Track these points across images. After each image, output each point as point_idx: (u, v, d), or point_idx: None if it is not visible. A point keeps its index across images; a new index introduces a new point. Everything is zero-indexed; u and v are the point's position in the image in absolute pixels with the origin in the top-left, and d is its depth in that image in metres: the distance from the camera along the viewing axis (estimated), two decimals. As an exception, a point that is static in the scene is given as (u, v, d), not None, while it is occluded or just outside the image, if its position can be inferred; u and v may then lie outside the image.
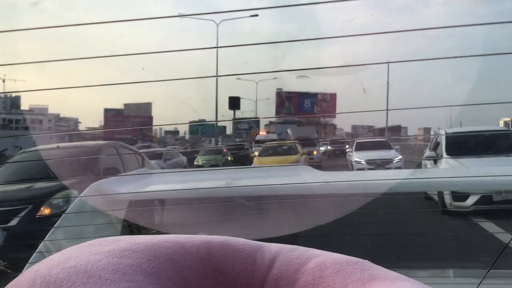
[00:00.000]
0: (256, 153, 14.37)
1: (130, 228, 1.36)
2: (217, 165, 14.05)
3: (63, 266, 0.36)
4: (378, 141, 13.68)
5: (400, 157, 11.97)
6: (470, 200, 5.39)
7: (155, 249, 0.42)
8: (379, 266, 0.45)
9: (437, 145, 7.38)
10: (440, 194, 5.45)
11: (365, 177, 1.51)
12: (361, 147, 12.87)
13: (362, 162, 11.70)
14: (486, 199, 5.22)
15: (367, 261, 0.46)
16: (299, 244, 0.50)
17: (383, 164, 11.37)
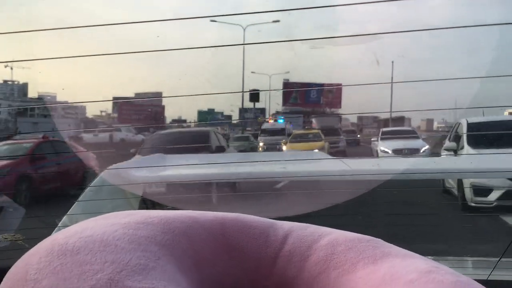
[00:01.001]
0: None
1: (147, 208, 1.37)
2: (245, 150, 14.92)
3: (80, 235, 0.36)
4: (404, 130, 13.43)
5: (427, 146, 11.43)
6: (494, 195, 4.95)
7: (170, 222, 0.41)
8: (391, 245, 0.44)
9: (457, 135, 6.97)
10: (460, 188, 5.08)
11: (377, 165, 1.49)
12: (387, 136, 12.39)
13: (388, 152, 11.33)
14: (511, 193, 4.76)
15: (379, 239, 0.45)
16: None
17: (409, 154, 10.98)
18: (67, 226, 1.10)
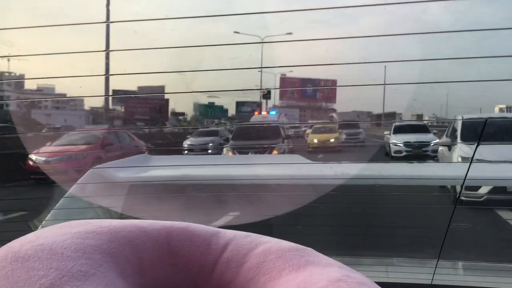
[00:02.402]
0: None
1: (109, 212, 1.38)
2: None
3: (33, 244, 0.39)
4: (416, 125, 13.84)
5: (437, 140, 11.65)
6: (484, 189, 4.99)
7: (118, 232, 0.44)
8: (319, 254, 0.47)
9: (454, 131, 7.17)
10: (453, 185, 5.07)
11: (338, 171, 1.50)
12: (399, 130, 12.75)
13: (400, 145, 11.80)
14: (500, 188, 4.74)
15: (310, 248, 0.48)
16: (262, 232, 0.51)
17: (420, 147, 11.48)
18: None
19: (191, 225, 0.50)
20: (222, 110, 32.07)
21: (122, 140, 9.64)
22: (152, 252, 0.45)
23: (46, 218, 1.22)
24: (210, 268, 0.47)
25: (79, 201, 1.26)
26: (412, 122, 15.02)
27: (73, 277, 0.36)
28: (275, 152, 9.42)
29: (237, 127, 11.06)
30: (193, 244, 0.48)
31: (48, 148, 8.14)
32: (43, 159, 7.79)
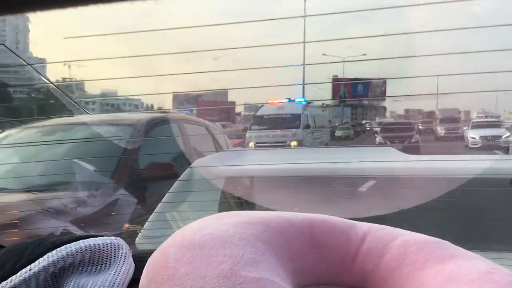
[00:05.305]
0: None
1: (234, 201, 1.42)
2: (349, 137, 17.04)
3: (203, 232, 0.40)
4: (490, 122, 15.46)
5: (508, 134, 13.02)
6: None
7: (268, 222, 0.45)
8: (458, 247, 0.44)
9: None
10: None
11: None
12: (475, 126, 14.47)
13: (476, 138, 13.04)
14: None
15: (447, 241, 0.46)
16: (386, 225, 0.49)
17: (493, 140, 12.52)
18: (163, 211, 1.16)
19: (329, 217, 0.49)
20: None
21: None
22: (299, 241, 0.45)
23: (157, 210, 1.27)
24: (351, 258, 0.46)
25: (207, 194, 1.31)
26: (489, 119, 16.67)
27: (246, 264, 0.37)
28: (413, 140, 11.39)
29: (383, 123, 14.11)
30: (334, 235, 0.47)
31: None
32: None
